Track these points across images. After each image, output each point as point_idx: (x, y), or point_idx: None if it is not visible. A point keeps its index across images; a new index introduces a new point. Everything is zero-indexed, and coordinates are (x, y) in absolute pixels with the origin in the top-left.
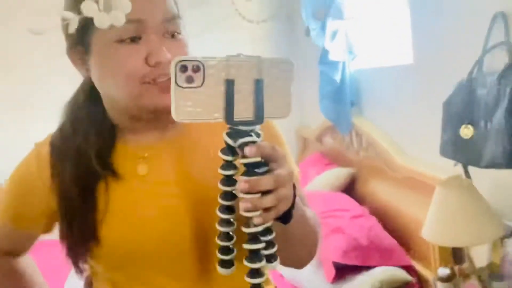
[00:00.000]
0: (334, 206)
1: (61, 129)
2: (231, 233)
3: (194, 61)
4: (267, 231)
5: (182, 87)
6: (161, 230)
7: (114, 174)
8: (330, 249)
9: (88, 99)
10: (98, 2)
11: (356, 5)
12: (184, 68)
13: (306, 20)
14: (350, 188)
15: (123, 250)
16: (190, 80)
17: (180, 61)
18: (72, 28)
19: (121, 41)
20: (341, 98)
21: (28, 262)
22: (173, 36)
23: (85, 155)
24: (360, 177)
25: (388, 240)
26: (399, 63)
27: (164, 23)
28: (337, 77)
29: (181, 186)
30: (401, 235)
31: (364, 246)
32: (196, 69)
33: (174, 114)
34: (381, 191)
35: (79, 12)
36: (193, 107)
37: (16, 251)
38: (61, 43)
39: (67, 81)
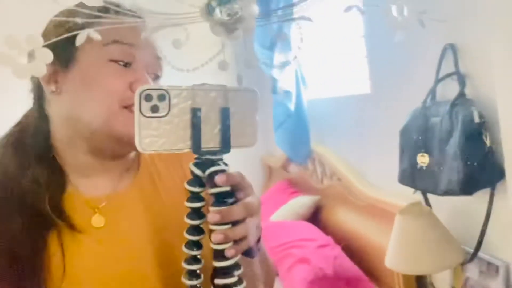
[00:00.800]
0: (299, 236)
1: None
2: (198, 271)
3: (159, 90)
4: (236, 266)
5: (147, 117)
6: None
7: (68, 223)
8: (296, 279)
9: (39, 132)
10: (17, 50)
11: (311, 36)
12: (149, 97)
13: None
14: (315, 217)
15: None
16: (155, 109)
17: (145, 90)
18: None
19: (113, 61)
20: (298, 128)
21: None
22: (155, 78)
23: (36, 199)
24: (324, 205)
25: (354, 269)
26: (357, 92)
27: (153, 59)
28: (292, 106)
29: (144, 243)
30: (366, 263)
31: (330, 276)
32: (161, 98)
33: (138, 145)
34: (345, 219)
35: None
36: (158, 137)
37: None
38: None
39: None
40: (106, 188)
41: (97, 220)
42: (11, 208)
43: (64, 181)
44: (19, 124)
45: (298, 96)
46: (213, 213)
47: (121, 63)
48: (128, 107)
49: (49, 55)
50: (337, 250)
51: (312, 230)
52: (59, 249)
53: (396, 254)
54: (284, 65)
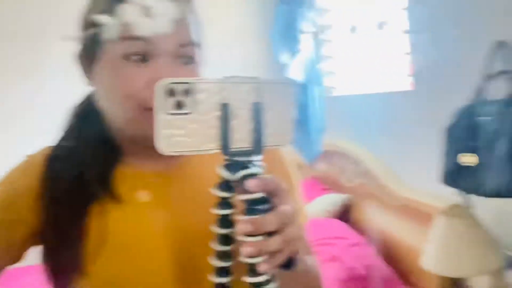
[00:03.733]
0: (329, 234)
1: (64, 140)
2: (227, 284)
3: (183, 84)
4: (270, 280)
5: (170, 114)
6: (157, 266)
7: (113, 196)
8: (327, 278)
9: (96, 110)
10: (138, 6)
11: (345, 29)
12: (171, 92)
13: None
14: (344, 215)
15: (112, 285)
16: (179, 105)
17: (167, 83)
18: (110, 34)
19: (127, 57)
20: (305, 124)
21: None
22: (186, 62)
23: (85, 172)
24: (355, 204)
25: (386, 270)
26: (397, 89)
27: (178, 48)
28: (302, 100)
29: (185, 220)
30: (398, 265)
31: (362, 276)
32: (186, 93)
33: (160, 146)
34: (376, 218)
35: (116, 16)
36: (183, 137)
37: None
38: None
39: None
40: (155, 166)
41: (143, 195)
42: (63, 174)
43: (115, 155)
44: (85, 100)
45: (307, 90)
46: (244, 223)
47: (135, 58)
48: (151, 109)
49: (172, 11)
50: (369, 250)
51: (342, 228)
52: (103, 219)
53: (434, 256)
54: (294, 53)
